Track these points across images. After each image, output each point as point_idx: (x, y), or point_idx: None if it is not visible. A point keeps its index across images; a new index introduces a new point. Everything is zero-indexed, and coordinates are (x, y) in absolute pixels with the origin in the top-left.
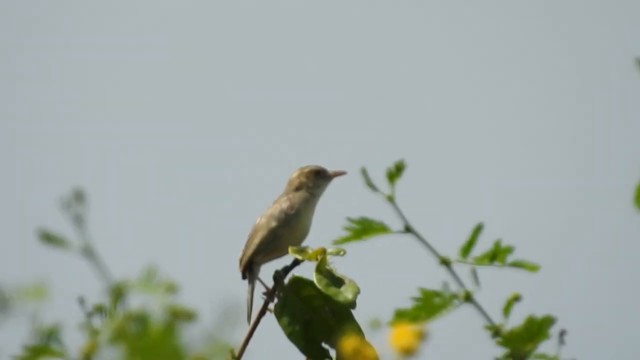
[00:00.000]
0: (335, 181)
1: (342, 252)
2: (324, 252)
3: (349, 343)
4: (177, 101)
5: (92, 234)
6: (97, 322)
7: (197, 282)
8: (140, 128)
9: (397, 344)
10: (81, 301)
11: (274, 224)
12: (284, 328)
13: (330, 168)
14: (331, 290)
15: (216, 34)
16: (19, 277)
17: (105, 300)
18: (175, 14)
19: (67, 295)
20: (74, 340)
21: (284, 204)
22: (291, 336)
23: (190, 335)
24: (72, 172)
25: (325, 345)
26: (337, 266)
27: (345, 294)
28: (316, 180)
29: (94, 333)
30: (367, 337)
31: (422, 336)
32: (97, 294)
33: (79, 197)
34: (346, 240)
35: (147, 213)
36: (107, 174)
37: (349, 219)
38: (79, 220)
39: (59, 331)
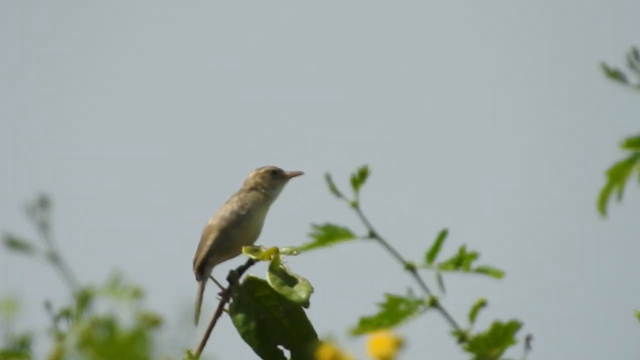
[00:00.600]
0: (292, 182)
1: (295, 252)
2: (276, 251)
3: (325, 351)
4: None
5: (58, 239)
6: (64, 327)
7: (162, 286)
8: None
9: (374, 352)
10: (48, 306)
11: (224, 224)
12: (239, 328)
13: (287, 169)
14: (285, 290)
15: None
16: None
17: (71, 305)
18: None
19: (34, 301)
20: (42, 346)
21: (235, 205)
22: (245, 336)
23: (157, 340)
24: (37, 177)
25: (279, 347)
26: (293, 267)
27: (299, 293)
28: (272, 180)
29: (61, 338)
30: (340, 344)
31: (399, 344)
32: (63, 300)
33: (43, 202)
34: (311, 246)
35: (112, 218)
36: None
37: (314, 225)
38: (44, 226)
39: (30, 340)
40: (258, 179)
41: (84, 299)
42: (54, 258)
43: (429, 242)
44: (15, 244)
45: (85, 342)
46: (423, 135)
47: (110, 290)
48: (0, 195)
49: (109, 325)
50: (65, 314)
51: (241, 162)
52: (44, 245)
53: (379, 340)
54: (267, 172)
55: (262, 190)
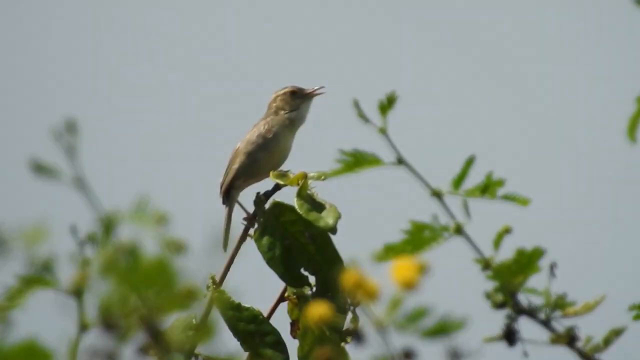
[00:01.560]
0: (316, 100)
1: (323, 177)
2: (305, 177)
3: (349, 276)
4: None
5: (84, 165)
6: (89, 252)
7: (190, 212)
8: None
9: (398, 278)
10: (73, 231)
11: (251, 148)
12: (264, 253)
13: (308, 86)
14: (312, 216)
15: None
16: (17, 216)
17: (96, 231)
18: None
19: (58, 227)
20: (65, 271)
21: (262, 128)
22: (270, 261)
23: (181, 266)
24: (64, 102)
25: (304, 272)
26: (320, 193)
27: (326, 219)
28: (293, 101)
29: (85, 264)
30: (362, 269)
31: (423, 270)
32: (88, 226)
33: (70, 127)
34: (338, 172)
35: (138, 144)
36: (99, 104)
37: (341, 151)
38: (70, 151)
39: (53, 264)
40: (279, 102)
41: (109, 224)
42: (80, 183)
43: (456, 169)
44: (41, 169)
45: (109, 268)
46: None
47: (135, 216)
48: (27, 120)
49: (132, 251)
50: (91, 239)
51: (270, 84)
52: (70, 171)
53: (402, 265)
54: (286, 93)
55: (286, 113)
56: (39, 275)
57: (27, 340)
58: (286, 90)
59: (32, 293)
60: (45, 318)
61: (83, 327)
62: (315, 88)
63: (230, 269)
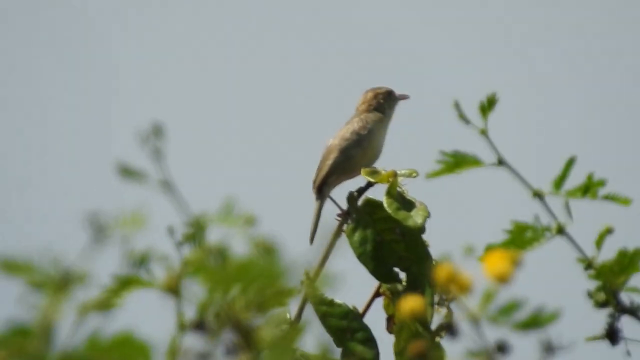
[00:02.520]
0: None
1: (414, 174)
2: (395, 175)
3: (442, 269)
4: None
5: (171, 168)
6: (183, 253)
7: (275, 211)
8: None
9: (491, 271)
10: (171, 231)
11: (345, 144)
12: (355, 249)
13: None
14: (401, 214)
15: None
16: (111, 207)
17: (186, 233)
18: None
19: (149, 230)
20: (159, 272)
21: (356, 125)
22: (361, 257)
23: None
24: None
25: (395, 269)
26: (412, 190)
27: (415, 217)
28: (389, 100)
29: (183, 264)
30: (457, 264)
31: (516, 263)
32: (178, 228)
33: (157, 131)
34: (439, 173)
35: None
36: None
37: (442, 152)
38: (157, 155)
39: (149, 259)
40: (379, 99)
41: (198, 227)
42: (167, 186)
43: (556, 170)
44: (128, 173)
45: (199, 269)
46: (514, 69)
47: (224, 218)
48: (115, 124)
49: (221, 252)
50: (188, 239)
51: (356, 85)
52: (157, 174)
53: (495, 258)
54: (387, 92)
55: (381, 111)
56: (136, 275)
57: (124, 333)
58: (386, 89)
59: (130, 292)
60: (143, 317)
61: (181, 327)
62: (403, 94)
63: (325, 265)
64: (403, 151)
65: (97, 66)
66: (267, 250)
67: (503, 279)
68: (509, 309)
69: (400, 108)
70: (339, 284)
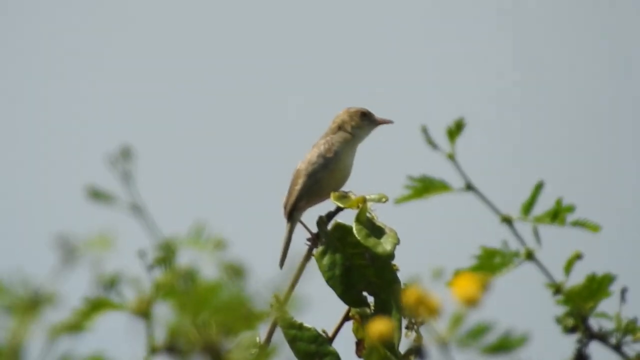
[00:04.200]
0: (379, 129)
1: (384, 199)
2: (364, 201)
3: (411, 292)
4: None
5: (140, 190)
6: (153, 276)
7: (245, 234)
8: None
9: (460, 294)
10: (141, 254)
11: (312, 168)
12: (324, 273)
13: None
14: (370, 241)
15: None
16: (80, 229)
17: (157, 256)
18: None
19: (119, 253)
20: (130, 295)
21: (322, 147)
22: (330, 281)
23: (242, 289)
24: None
25: (364, 293)
26: (381, 215)
27: (384, 245)
28: (361, 121)
29: (154, 287)
30: (425, 287)
31: (485, 286)
32: (148, 251)
33: (126, 154)
34: (407, 198)
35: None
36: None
37: (410, 177)
38: (126, 177)
39: (119, 281)
40: (346, 117)
41: (167, 250)
42: (137, 209)
43: (524, 195)
44: (98, 195)
45: (168, 292)
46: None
47: (193, 242)
48: (83, 147)
49: (190, 275)
50: (158, 262)
51: (333, 106)
52: (127, 197)
53: (464, 282)
54: (357, 112)
55: (349, 130)
56: (106, 298)
57: (95, 356)
58: (358, 109)
59: (100, 315)
60: (113, 340)
61: (152, 350)
62: (385, 119)
63: (295, 288)
64: (373, 174)
65: (66, 87)
66: (236, 274)
67: (472, 303)
68: (477, 333)
69: (376, 131)
70: (308, 308)
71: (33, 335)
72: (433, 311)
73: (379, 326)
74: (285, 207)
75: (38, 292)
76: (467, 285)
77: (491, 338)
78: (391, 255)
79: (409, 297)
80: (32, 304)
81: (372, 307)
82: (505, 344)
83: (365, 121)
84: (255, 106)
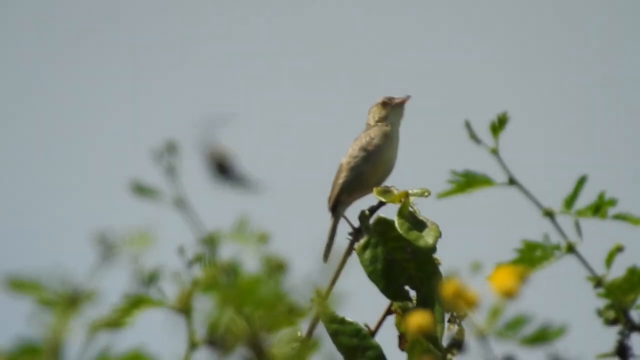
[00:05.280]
0: (407, 107)
1: (426, 193)
2: (406, 195)
3: (449, 285)
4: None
5: (185, 185)
6: (194, 272)
7: (289, 229)
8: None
9: (498, 287)
10: (181, 251)
11: (354, 162)
12: (365, 267)
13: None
14: (412, 235)
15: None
16: (122, 225)
17: (199, 251)
18: None
19: (161, 247)
20: (171, 290)
21: (363, 140)
22: (371, 275)
23: (284, 283)
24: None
25: (405, 287)
26: (423, 209)
27: (426, 238)
28: (385, 110)
29: (194, 283)
30: (464, 281)
31: (523, 279)
32: (190, 246)
33: (171, 148)
34: (450, 193)
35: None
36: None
37: (453, 172)
38: (171, 172)
39: (158, 277)
40: (376, 114)
41: (211, 244)
42: (181, 204)
43: (567, 189)
44: (142, 190)
45: (210, 287)
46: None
47: (237, 236)
48: (129, 141)
49: (232, 269)
50: (198, 259)
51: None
52: (171, 191)
53: (502, 274)
54: (377, 105)
55: (383, 124)
56: (146, 295)
57: (134, 351)
58: (376, 102)
59: (140, 312)
60: (154, 335)
61: (192, 345)
62: (403, 97)
63: (337, 283)
64: (416, 169)
65: (112, 83)
66: (278, 268)
67: (510, 295)
68: (515, 324)
69: (413, 124)
70: (349, 302)
71: (73, 333)
72: (470, 304)
73: (417, 319)
74: (329, 201)
75: (77, 289)
76: (505, 278)
77: (529, 330)
78: (433, 249)
79: (446, 290)
80: (72, 300)
81: (415, 301)
82: (543, 336)
83: (388, 109)
84: (299, 99)
